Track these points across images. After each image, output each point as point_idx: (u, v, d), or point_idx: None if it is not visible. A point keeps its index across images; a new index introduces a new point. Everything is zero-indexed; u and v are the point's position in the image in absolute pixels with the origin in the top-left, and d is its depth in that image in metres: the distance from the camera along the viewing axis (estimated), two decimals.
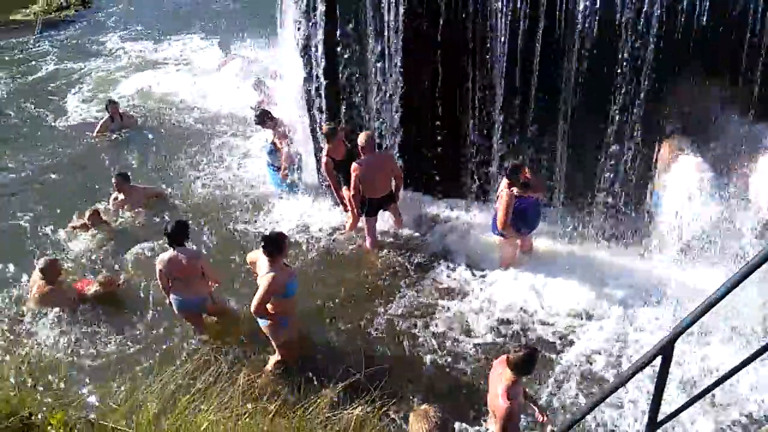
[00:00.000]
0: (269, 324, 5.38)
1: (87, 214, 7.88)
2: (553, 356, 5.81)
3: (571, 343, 5.95)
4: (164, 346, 6.08)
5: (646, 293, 6.27)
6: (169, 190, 8.76)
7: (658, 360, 2.53)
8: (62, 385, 4.73)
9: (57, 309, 6.43)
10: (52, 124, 10.84)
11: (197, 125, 10.39)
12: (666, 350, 2.48)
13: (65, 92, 11.80)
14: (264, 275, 5.13)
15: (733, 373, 2.45)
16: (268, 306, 5.24)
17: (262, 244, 5.15)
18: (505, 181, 6.23)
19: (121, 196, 8.27)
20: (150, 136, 10.25)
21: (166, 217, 8.04)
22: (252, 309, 5.18)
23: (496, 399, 4.19)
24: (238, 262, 7.23)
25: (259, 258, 5.29)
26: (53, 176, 9.37)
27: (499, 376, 4.27)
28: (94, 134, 10.29)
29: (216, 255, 7.35)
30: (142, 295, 6.79)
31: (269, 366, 5.70)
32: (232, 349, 5.89)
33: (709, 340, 5.63)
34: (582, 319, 6.19)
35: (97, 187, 8.93)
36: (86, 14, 15.44)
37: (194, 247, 5.93)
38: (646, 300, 6.24)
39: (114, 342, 6.21)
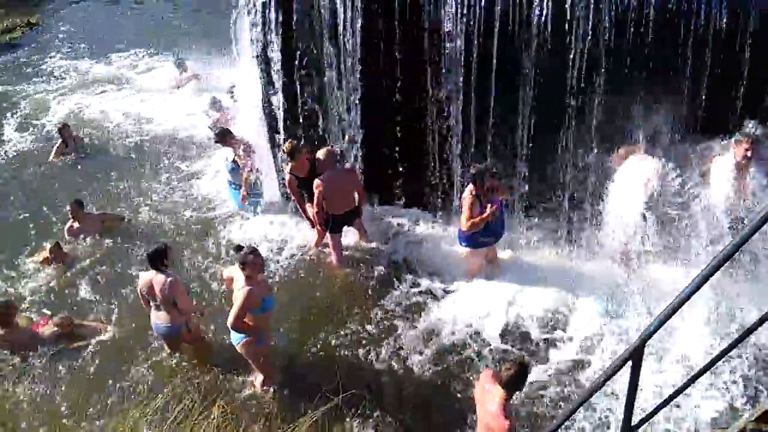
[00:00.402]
0: (245, 341, 5.33)
1: (48, 248, 7.57)
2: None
3: (543, 353, 5.97)
4: (131, 383, 5.84)
5: (615, 298, 6.31)
6: (126, 214, 8.52)
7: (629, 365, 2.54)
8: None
9: (10, 352, 6.17)
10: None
11: (151, 147, 10.13)
12: (635, 355, 2.49)
13: (2, 117, 11.38)
14: (240, 289, 5.11)
15: (705, 371, 2.48)
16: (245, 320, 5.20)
17: (239, 259, 5.11)
18: (470, 186, 6.25)
19: (76, 224, 8.00)
20: (101, 160, 9.95)
21: (124, 244, 7.86)
22: (229, 323, 5.16)
23: (496, 419, 4.08)
24: (206, 284, 7.11)
25: (234, 273, 5.30)
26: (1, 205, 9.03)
27: (488, 393, 4.19)
28: (50, 159, 9.97)
29: (182, 278, 7.13)
30: (107, 330, 6.55)
31: (257, 387, 5.68)
32: (206, 380, 5.70)
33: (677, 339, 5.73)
34: (552, 329, 6.22)
35: (48, 214, 8.63)
36: (33, 36, 14.98)
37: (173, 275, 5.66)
38: (615, 305, 6.27)
39: (75, 382, 5.91)
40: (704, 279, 2.25)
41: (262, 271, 5.32)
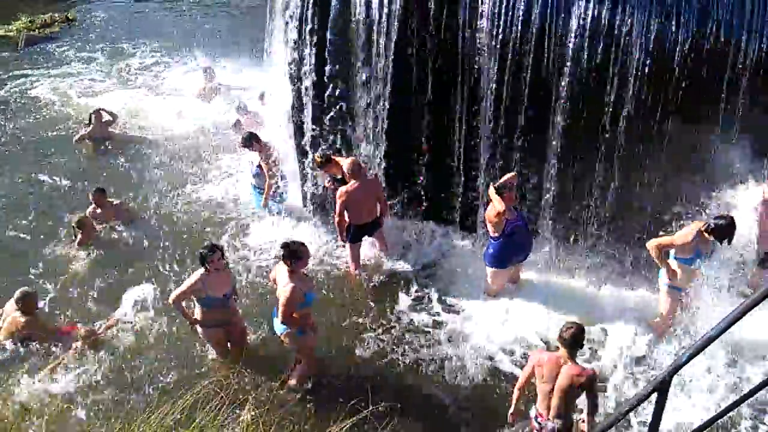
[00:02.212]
0: (288, 332, 5.51)
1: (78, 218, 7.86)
2: None
3: None
4: (156, 383, 5.93)
5: (639, 327, 6.27)
6: (148, 210, 8.63)
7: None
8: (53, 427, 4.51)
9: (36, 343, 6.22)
10: (25, 141, 10.61)
11: (175, 146, 10.23)
12: (662, 386, 2.46)
13: (43, 109, 11.60)
14: (284, 285, 5.23)
15: (734, 407, 2.44)
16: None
17: (283, 253, 5.27)
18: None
19: (98, 210, 8.19)
20: (126, 155, 10.08)
21: (143, 239, 8.03)
22: (280, 319, 5.36)
23: (580, 374, 4.49)
24: None
25: (278, 269, 5.45)
26: (32, 194, 9.20)
27: (553, 361, 4.58)
28: (75, 139, 10.23)
29: None
30: (134, 329, 6.60)
31: (293, 381, 5.75)
32: (236, 382, 5.64)
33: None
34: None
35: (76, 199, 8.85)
36: (70, 31, 15.29)
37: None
38: (638, 334, 6.22)
39: (100, 381, 5.97)
40: (742, 314, 2.22)
41: (305, 266, 5.47)
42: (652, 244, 5.73)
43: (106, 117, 10.37)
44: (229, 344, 6.04)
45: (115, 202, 8.45)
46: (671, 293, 5.91)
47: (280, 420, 4.79)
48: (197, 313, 5.68)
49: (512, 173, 6.35)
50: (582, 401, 4.74)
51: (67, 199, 8.96)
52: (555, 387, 4.58)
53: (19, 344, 6.24)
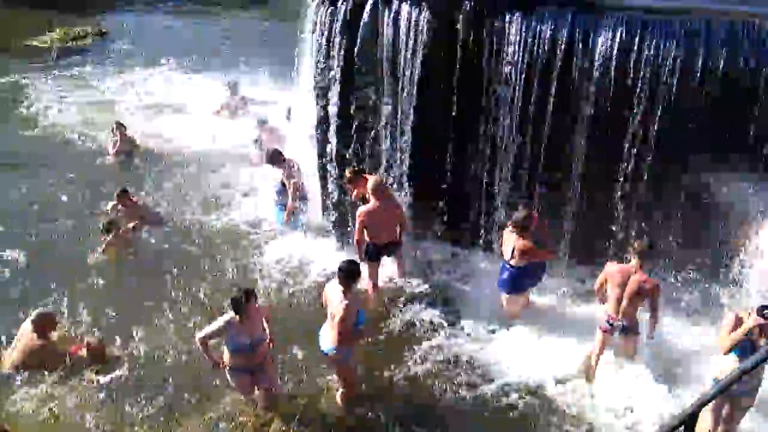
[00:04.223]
0: (334, 355, 5.43)
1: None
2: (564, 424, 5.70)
3: (589, 407, 5.82)
4: (177, 400, 5.86)
5: (656, 356, 6.12)
6: (171, 224, 8.74)
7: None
8: None
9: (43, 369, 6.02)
10: (55, 153, 10.79)
11: (201, 162, 10.38)
12: (689, 420, 2.41)
13: (70, 121, 11.82)
14: (338, 305, 5.19)
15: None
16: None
17: (339, 273, 5.22)
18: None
19: (120, 206, 8.40)
20: (150, 169, 10.25)
21: (163, 253, 8.08)
22: (335, 341, 5.26)
23: (648, 283, 5.43)
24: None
25: (329, 290, 5.41)
26: (56, 202, 9.35)
27: (627, 271, 5.50)
28: (111, 154, 10.42)
29: (217, 295, 7.25)
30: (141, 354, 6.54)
31: (338, 400, 5.76)
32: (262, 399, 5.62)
33: None
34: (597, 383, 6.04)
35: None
36: (102, 44, 15.69)
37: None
38: (657, 363, 6.08)
39: (116, 399, 5.90)
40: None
41: (357, 284, 5.43)
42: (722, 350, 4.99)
43: (129, 133, 10.55)
44: (256, 389, 5.66)
45: (139, 203, 8.69)
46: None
47: None
48: (225, 356, 5.42)
49: (525, 211, 6.25)
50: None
51: (92, 208, 9.05)
52: (625, 292, 5.50)
53: (27, 372, 6.05)
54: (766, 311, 4.63)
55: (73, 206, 9.17)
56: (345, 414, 5.73)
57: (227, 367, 5.44)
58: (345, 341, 5.32)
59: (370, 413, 5.71)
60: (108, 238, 7.95)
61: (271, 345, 5.56)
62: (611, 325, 5.74)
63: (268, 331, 5.48)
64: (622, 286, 5.53)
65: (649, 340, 5.76)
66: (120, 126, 10.51)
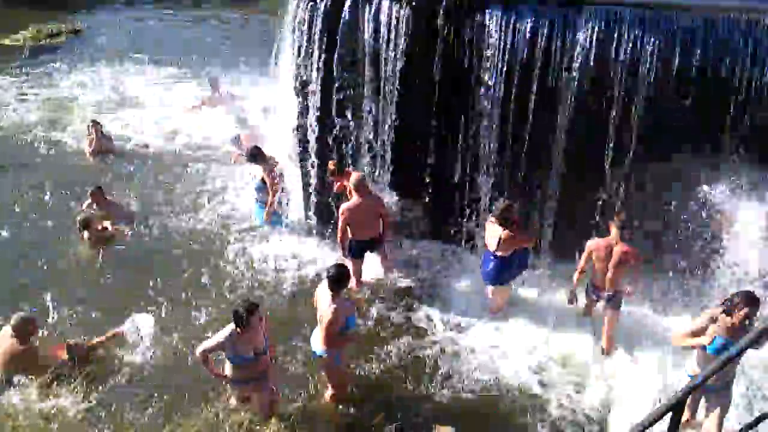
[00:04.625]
0: (326, 357, 5.43)
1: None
2: (554, 414, 5.76)
3: (573, 402, 5.88)
4: (173, 399, 5.77)
5: (639, 345, 6.25)
6: (149, 222, 8.59)
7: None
8: None
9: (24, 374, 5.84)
10: (24, 153, 10.51)
11: (177, 158, 10.25)
12: (677, 407, 2.43)
13: (42, 120, 11.54)
14: (327, 308, 5.18)
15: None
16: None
17: (328, 278, 5.20)
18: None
19: (95, 205, 8.36)
20: (129, 168, 10.08)
21: (142, 250, 7.96)
22: (324, 344, 5.27)
23: (629, 253, 5.75)
24: (226, 297, 7.12)
25: (320, 292, 5.39)
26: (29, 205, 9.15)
27: (608, 243, 5.79)
28: (88, 153, 10.21)
29: (199, 293, 7.21)
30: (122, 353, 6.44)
31: (327, 398, 5.77)
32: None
33: None
34: (576, 373, 6.14)
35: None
36: (76, 42, 15.36)
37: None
38: (640, 353, 6.20)
39: (108, 401, 5.77)
40: (757, 336, 2.21)
41: (345, 288, 5.41)
42: (676, 342, 5.14)
43: (105, 130, 10.37)
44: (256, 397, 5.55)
45: (113, 200, 8.64)
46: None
47: None
48: (226, 369, 5.29)
49: (507, 202, 6.30)
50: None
51: (67, 210, 8.83)
52: (609, 264, 5.82)
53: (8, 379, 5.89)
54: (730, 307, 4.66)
55: (52, 206, 8.97)
56: (336, 414, 5.70)
57: (231, 382, 5.31)
58: (332, 344, 5.31)
59: (359, 413, 5.69)
60: (86, 235, 7.88)
61: (272, 355, 5.49)
62: (598, 296, 6.09)
63: (268, 342, 5.35)
64: (607, 258, 5.85)
65: (627, 297, 6.10)
66: (96, 124, 10.30)
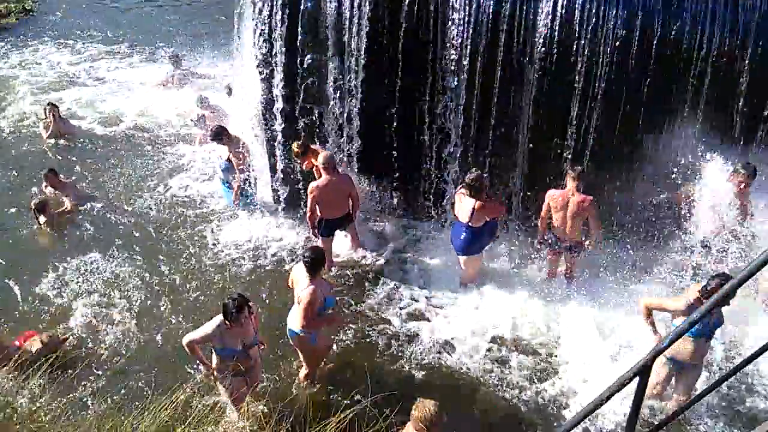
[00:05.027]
0: (301, 336, 5.42)
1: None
2: (528, 384, 5.87)
3: (546, 371, 6.01)
4: (144, 383, 5.68)
5: (615, 310, 6.36)
6: (115, 205, 8.42)
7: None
8: None
9: None
10: None
11: (139, 141, 10.01)
12: (643, 370, 2.49)
13: None
14: (304, 289, 5.18)
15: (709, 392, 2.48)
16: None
17: (305, 261, 5.20)
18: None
19: (49, 189, 8.24)
20: (89, 148, 9.82)
21: (108, 232, 7.82)
22: (301, 324, 5.27)
23: (585, 202, 6.01)
24: (198, 280, 7.09)
25: (296, 273, 5.41)
26: None
27: (565, 195, 6.05)
28: (45, 137, 9.87)
29: (171, 276, 7.15)
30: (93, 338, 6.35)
31: (300, 378, 5.79)
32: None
33: None
34: (552, 344, 6.26)
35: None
36: (27, 22, 14.71)
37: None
38: (615, 318, 6.31)
39: (82, 384, 5.65)
40: (714, 304, 2.27)
41: (323, 270, 5.40)
42: (641, 304, 5.25)
43: (62, 112, 10.06)
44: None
45: (67, 182, 8.50)
46: (666, 366, 5.19)
47: (279, 412, 4.61)
48: (213, 361, 5.13)
49: (477, 172, 6.30)
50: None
51: (25, 194, 8.61)
52: (567, 214, 6.10)
53: None
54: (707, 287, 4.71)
55: (9, 192, 8.73)
56: (311, 394, 5.70)
57: (219, 374, 5.13)
58: (310, 325, 5.33)
59: (335, 391, 5.73)
60: (41, 219, 7.77)
61: (262, 347, 5.41)
62: (559, 246, 6.40)
63: (258, 333, 5.27)
64: (565, 208, 6.14)
65: (589, 249, 6.40)
66: (53, 107, 9.95)
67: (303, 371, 5.84)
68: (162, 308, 6.72)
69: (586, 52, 5.97)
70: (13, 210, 8.34)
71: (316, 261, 5.22)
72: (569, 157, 6.46)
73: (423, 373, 5.98)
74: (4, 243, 7.76)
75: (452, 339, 6.31)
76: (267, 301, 6.75)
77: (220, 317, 4.92)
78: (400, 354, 6.16)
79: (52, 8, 15.65)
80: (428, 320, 6.57)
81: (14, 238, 7.87)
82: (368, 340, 6.33)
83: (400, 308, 6.73)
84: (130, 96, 11.30)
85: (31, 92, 11.51)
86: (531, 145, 6.59)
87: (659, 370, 5.15)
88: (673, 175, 6.19)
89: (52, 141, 9.87)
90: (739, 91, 5.98)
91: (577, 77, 6.08)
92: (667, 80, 5.99)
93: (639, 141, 6.29)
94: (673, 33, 5.81)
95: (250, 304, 5.01)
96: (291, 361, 6.01)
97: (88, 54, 13.09)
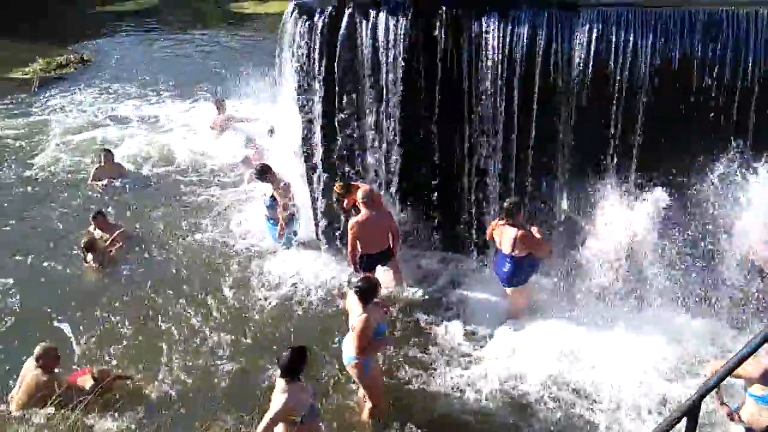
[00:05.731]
0: (355, 363, 5.47)
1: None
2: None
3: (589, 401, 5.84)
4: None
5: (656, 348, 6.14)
6: (163, 243, 8.69)
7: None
8: None
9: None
10: (34, 182, 10.65)
11: (189, 181, 10.35)
12: (692, 410, 2.39)
13: (53, 149, 11.70)
14: (358, 316, 5.30)
15: None
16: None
17: (355, 290, 5.38)
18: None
19: (98, 232, 8.47)
20: (137, 190, 10.21)
21: (156, 270, 8.08)
22: (355, 351, 5.35)
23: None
24: (243, 315, 7.21)
25: (350, 301, 5.58)
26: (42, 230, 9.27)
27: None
28: (89, 182, 10.31)
29: (218, 314, 7.28)
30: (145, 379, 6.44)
31: (364, 417, 5.74)
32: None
33: None
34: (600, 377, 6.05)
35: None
36: (85, 72, 15.61)
37: None
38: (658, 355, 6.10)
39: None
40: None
41: (377, 297, 5.51)
42: (709, 370, 4.91)
43: (116, 158, 10.49)
44: None
45: (114, 224, 8.78)
46: None
47: None
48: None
49: (514, 199, 6.39)
50: None
51: (73, 237, 8.93)
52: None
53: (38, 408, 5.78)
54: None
55: (62, 234, 9.10)
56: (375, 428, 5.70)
57: None
58: (365, 352, 5.41)
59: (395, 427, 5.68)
60: (89, 258, 8.05)
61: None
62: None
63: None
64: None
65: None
66: (107, 153, 10.42)
67: (368, 406, 5.75)
68: (209, 345, 6.83)
69: (623, 81, 5.89)
70: (63, 252, 8.65)
71: (366, 290, 5.36)
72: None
73: (469, 410, 5.86)
74: (53, 283, 8.02)
75: (487, 379, 6.14)
76: (308, 341, 6.74)
77: (283, 383, 4.59)
78: (449, 389, 6.08)
79: (107, 58, 16.59)
80: (467, 357, 6.45)
81: (64, 278, 8.13)
82: (419, 377, 6.25)
83: (441, 344, 6.63)
84: (178, 138, 11.76)
85: (87, 137, 12.08)
86: (570, 179, 6.53)
87: None
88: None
89: (102, 182, 10.25)
90: None
91: (614, 109, 6.01)
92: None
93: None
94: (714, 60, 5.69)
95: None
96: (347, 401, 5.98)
97: (137, 99, 13.76)
